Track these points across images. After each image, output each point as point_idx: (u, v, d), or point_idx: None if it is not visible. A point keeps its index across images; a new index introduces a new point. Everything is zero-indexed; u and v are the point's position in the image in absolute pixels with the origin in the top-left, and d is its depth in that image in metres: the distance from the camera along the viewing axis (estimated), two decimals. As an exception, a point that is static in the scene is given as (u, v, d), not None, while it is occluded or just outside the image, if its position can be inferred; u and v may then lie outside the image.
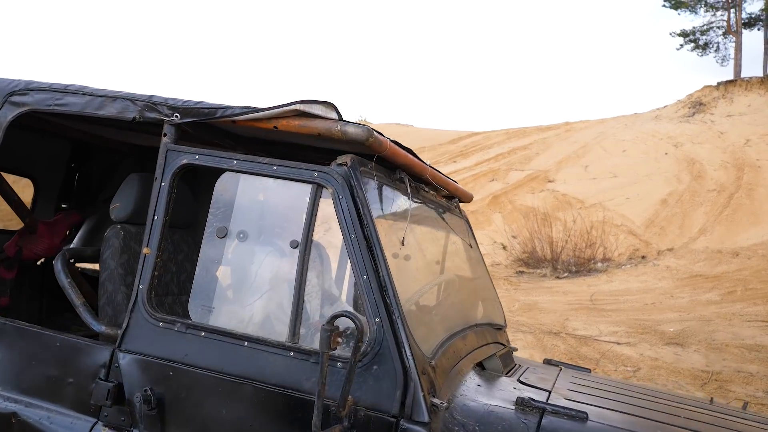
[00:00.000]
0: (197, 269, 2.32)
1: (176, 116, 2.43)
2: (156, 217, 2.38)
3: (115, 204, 2.85)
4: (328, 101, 2.27)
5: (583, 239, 18.17)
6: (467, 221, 3.80)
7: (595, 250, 18.03)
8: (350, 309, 2.45)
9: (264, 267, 2.32)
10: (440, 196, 3.38)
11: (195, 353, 2.24)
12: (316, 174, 2.24)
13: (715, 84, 32.57)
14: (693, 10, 36.56)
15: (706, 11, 36.69)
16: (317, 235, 2.39)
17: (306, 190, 2.25)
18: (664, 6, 36.75)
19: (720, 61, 37.56)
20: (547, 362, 3.47)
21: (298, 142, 2.85)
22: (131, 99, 2.49)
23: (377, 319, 2.08)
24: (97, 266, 3.41)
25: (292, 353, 2.14)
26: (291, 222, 2.28)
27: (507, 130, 38.45)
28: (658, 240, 20.45)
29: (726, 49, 37.23)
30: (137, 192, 2.82)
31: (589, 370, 3.43)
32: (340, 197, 2.20)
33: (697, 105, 32.01)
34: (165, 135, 2.44)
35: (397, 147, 2.51)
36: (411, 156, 2.68)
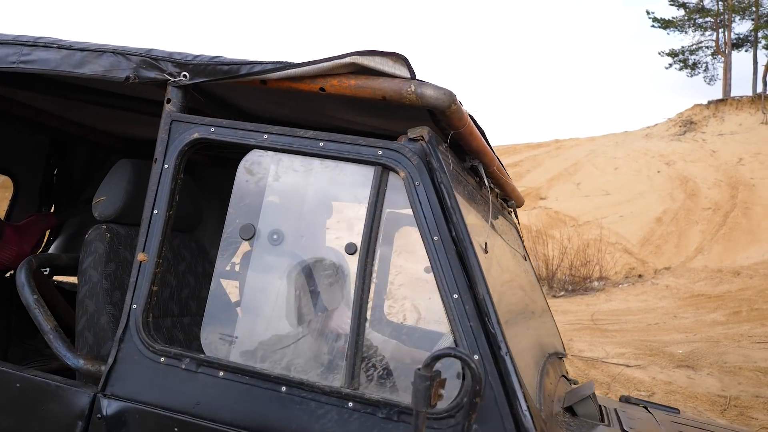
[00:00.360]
0: (213, 284, 1.68)
1: (184, 75, 1.80)
2: (156, 212, 1.74)
3: (100, 198, 2.20)
4: (396, 52, 1.65)
5: (579, 257, 17.74)
6: (518, 229, 3.20)
7: (591, 269, 17.59)
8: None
9: (307, 281, 1.67)
10: (496, 196, 2.77)
11: (210, 401, 1.59)
12: (380, 152, 1.62)
13: (705, 103, 32.47)
14: (682, 29, 36.54)
15: (695, 31, 36.70)
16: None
17: (367, 174, 1.62)
18: (653, 26, 36.72)
19: (708, 80, 37.55)
20: (626, 400, 2.85)
21: (340, 123, 2.24)
22: (123, 53, 1.86)
23: (476, 357, 1.46)
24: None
25: (350, 404, 1.50)
26: (345, 219, 1.64)
27: (497, 146, 38.07)
28: (655, 258, 20.18)
29: (714, 68, 37.25)
30: (129, 182, 2.18)
31: (678, 411, 2.83)
32: (416, 183, 1.58)
33: (687, 123, 31.89)
34: (169, 101, 1.81)
35: (473, 125, 1.91)
36: (485, 141, 2.07)
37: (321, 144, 1.66)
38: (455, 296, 1.51)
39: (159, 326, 2.13)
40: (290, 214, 1.72)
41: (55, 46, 1.92)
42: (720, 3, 34.86)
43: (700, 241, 20.79)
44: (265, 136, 1.70)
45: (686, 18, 35.99)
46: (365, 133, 2.26)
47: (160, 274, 1.73)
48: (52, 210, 3.73)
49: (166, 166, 1.76)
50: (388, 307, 1.64)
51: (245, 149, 1.73)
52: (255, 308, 1.78)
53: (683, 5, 35.89)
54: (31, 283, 1.95)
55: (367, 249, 1.57)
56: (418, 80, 1.65)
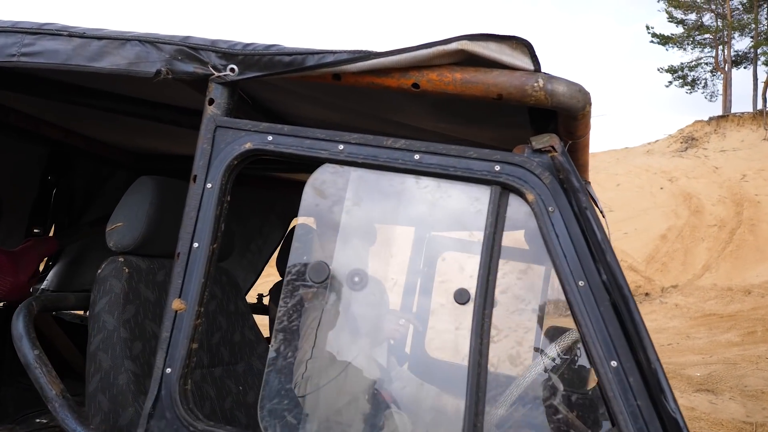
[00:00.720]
0: (274, 344, 1.27)
1: (232, 69, 1.41)
2: (196, 245, 1.34)
3: (116, 224, 1.78)
4: (516, 36, 1.27)
5: (586, 275, 17.44)
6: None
7: (599, 287, 17.27)
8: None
9: (400, 337, 1.27)
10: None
11: None
12: (498, 167, 1.22)
13: (706, 119, 32.35)
14: (681, 46, 36.50)
15: (694, 48, 36.70)
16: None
17: (480, 196, 1.23)
18: (652, 42, 36.65)
19: (709, 97, 37.49)
20: None
21: (413, 134, 1.85)
22: (153, 42, 1.46)
23: None
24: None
25: None
26: (451, 257, 1.24)
27: (496, 162, 37.78)
28: (661, 276, 19.89)
29: (714, 85, 37.21)
30: (151, 204, 1.77)
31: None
32: (550, 209, 1.19)
33: (689, 140, 31.72)
34: (211, 102, 1.42)
35: None
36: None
37: (417, 157, 1.26)
38: (614, 364, 1.11)
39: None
40: (376, 251, 1.31)
41: (65, 33, 1.52)
42: (719, 20, 34.88)
43: (707, 259, 20.51)
44: (341, 147, 1.30)
45: (685, 35, 35.99)
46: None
47: (201, 327, 1.33)
48: (51, 233, 3.32)
49: (209, 185, 1.36)
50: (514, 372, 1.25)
51: (314, 163, 1.33)
52: (332, 374, 1.36)
53: (682, 22, 35.92)
54: (31, 335, 1.53)
55: (485, 297, 1.17)
56: (546, 73, 1.26)
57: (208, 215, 1.35)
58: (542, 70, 1.28)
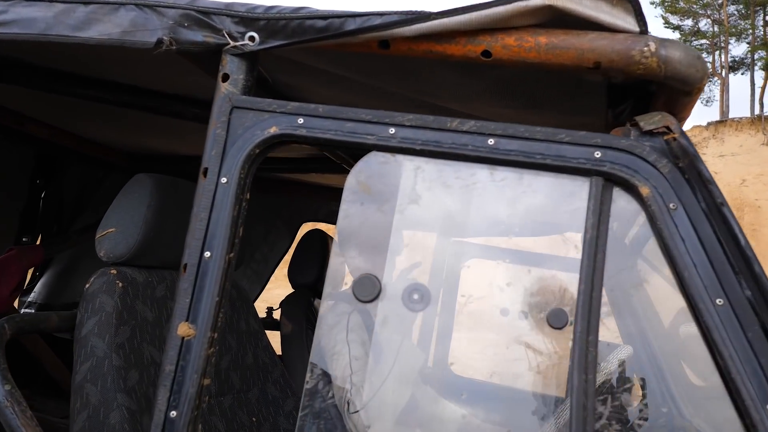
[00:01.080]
0: (309, 380, 0.99)
1: (251, 38, 1.14)
2: (208, 254, 1.06)
3: (107, 229, 1.50)
4: (617, -10, 1.00)
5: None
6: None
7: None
8: None
9: (473, 372, 0.99)
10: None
11: None
12: (599, 153, 0.95)
13: (704, 124, 32.29)
14: (677, 51, 36.48)
15: (691, 53, 36.70)
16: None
17: (576, 190, 0.96)
18: (648, 47, 36.54)
19: (705, 102, 37.46)
20: None
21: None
22: (152, 6, 1.18)
23: None
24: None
25: None
26: (538, 269, 0.98)
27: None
28: (663, 283, 19.67)
29: (710, 90, 37.19)
30: (149, 206, 1.49)
31: None
32: (671, 206, 0.92)
33: (687, 145, 31.63)
34: (226, 78, 1.14)
35: None
36: None
37: (491, 142, 0.99)
38: None
39: None
40: (439, 259, 1.03)
41: None
42: (715, 26, 34.94)
43: (708, 265, 20.35)
44: (392, 131, 1.03)
45: (682, 40, 36.00)
46: None
47: (214, 357, 1.05)
48: (38, 242, 3.03)
49: (223, 180, 1.08)
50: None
51: (357, 151, 1.06)
52: (382, 411, 1.07)
53: (678, 28, 35.95)
54: (1, 366, 1.25)
55: (588, 320, 0.90)
56: (655, 36, 1.00)
57: (223, 217, 1.07)
58: (649, 33, 1.01)
